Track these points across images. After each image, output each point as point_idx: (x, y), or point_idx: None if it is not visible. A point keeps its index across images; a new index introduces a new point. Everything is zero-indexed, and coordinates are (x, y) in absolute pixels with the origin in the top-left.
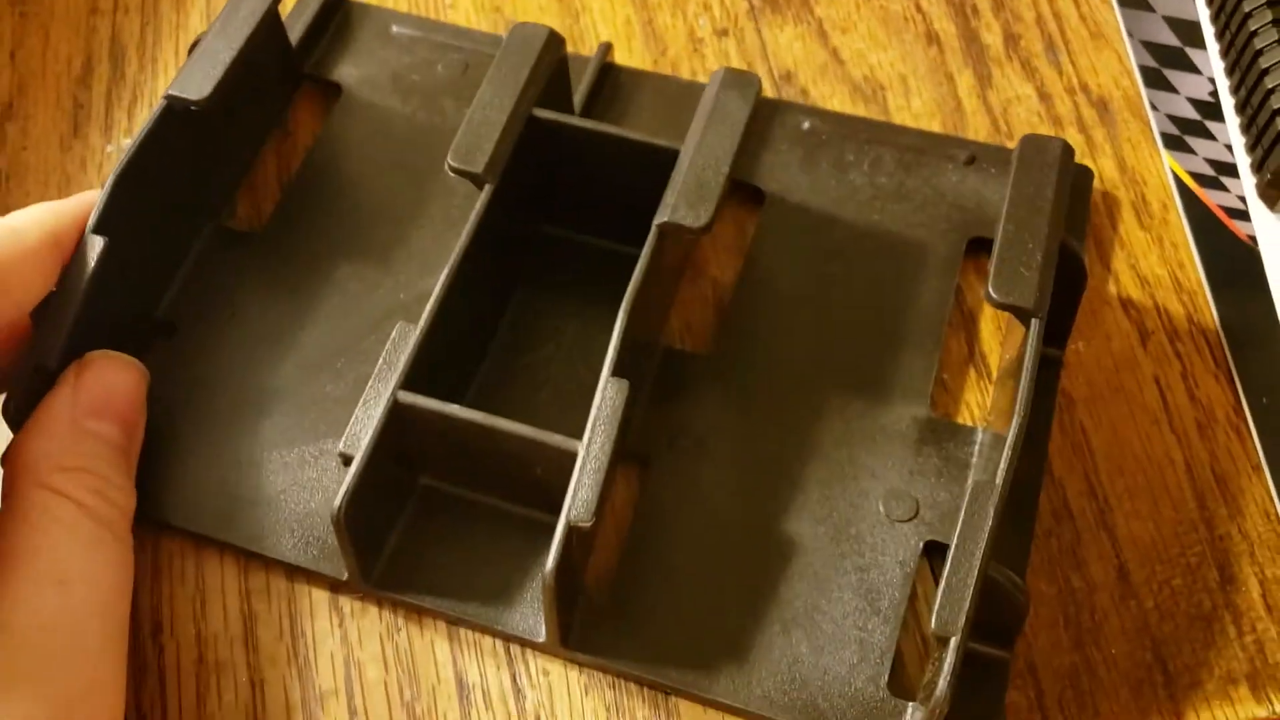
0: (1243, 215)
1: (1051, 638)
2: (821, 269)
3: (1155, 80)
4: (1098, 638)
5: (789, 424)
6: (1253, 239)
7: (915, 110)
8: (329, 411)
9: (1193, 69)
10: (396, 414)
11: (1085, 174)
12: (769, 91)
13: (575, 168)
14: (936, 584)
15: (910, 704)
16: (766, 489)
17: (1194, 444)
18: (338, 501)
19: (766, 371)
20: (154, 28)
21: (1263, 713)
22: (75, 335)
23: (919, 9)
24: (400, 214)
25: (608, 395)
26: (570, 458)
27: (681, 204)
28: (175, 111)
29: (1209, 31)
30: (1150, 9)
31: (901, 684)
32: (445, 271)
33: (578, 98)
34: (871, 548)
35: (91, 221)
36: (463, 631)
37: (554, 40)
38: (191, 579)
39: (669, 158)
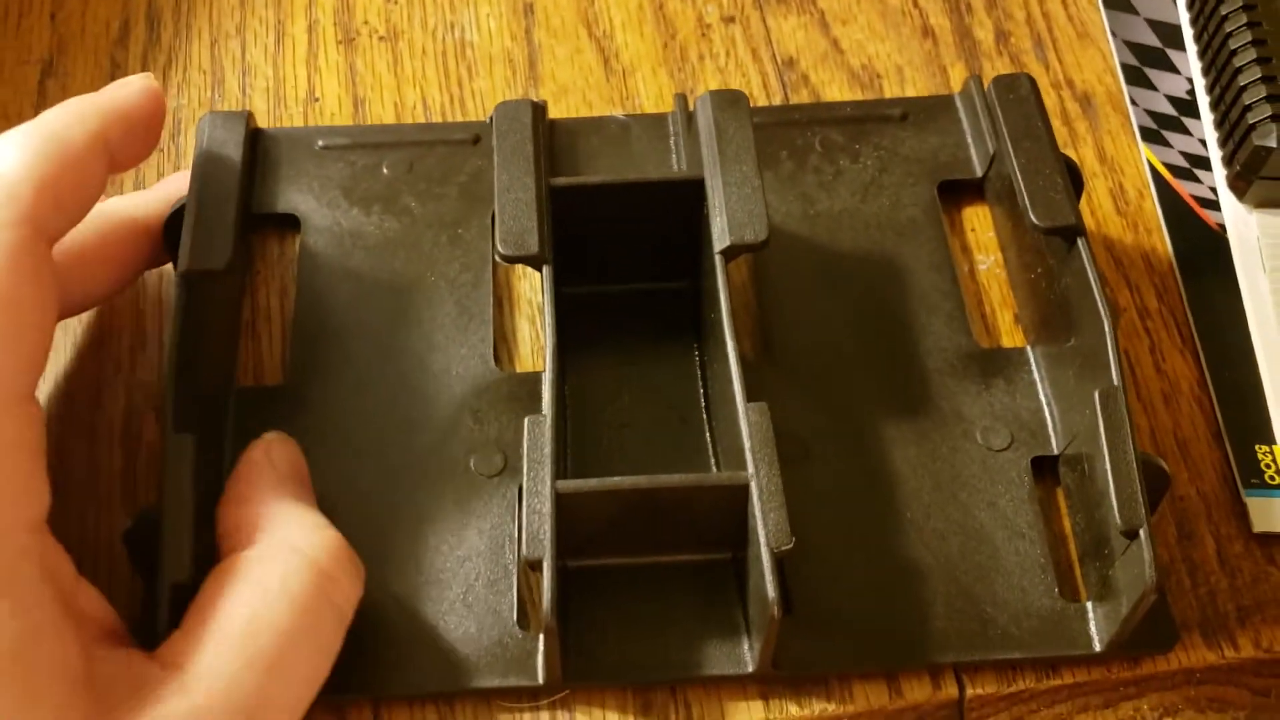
0: (1213, 205)
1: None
2: (821, 251)
3: (1136, 78)
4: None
5: (864, 400)
6: (1221, 227)
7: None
8: (446, 530)
9: (1172, 69)
10: (560, 505)
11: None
12: (772, 78)
13: (593, 224)
14: (1061, 490)
15: (1088, 603)
16: (877, 464)
17: (1159, 413)
18: (547, 604)
19: (820, 360)
20: None
21: (1214, 658)
22: (195, 542)
23: (916, 4)
24: (413, 319)
25: (753, 420)
26: (739, 491)
27: (737, 225)
28: (193, 286)
29: (1188, 34)
30: (1134, 11)
31: (1067, 589)
32: (548, 356)
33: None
34: (990, 482)
35: (170, 423)
36: (658, 695)
37: (539, 111)
38: None
39: (691, 188)
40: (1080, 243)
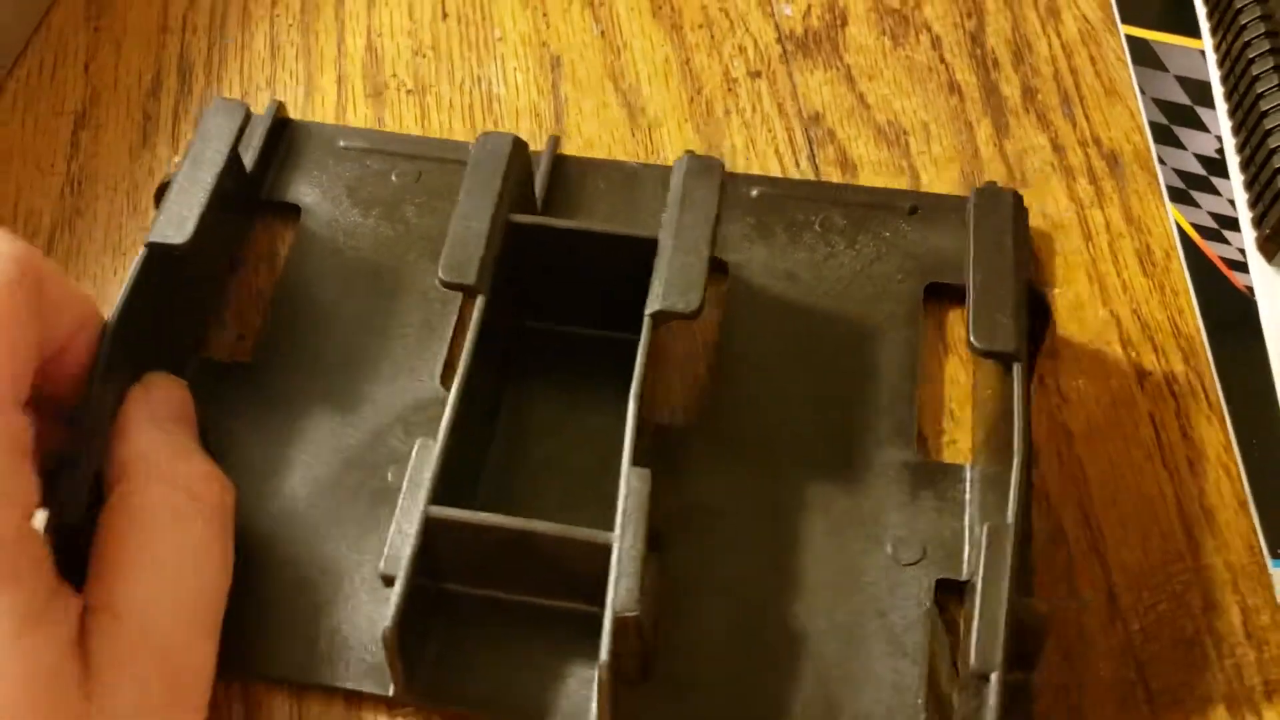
0: (1241, 267)
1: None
2: (793, 330)
3: (1164, 136)
4: (1086, 656)
5: (790, 485)
6: (1250, 289)
7: (935, 155)
8: (349, 531)
9: (1201, 127)
10: (430, 529)
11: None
12: (798, 133)
13: (554, 264)
14: (954, 618)
15: None
16: (781, 551)
17: (1184, 479)
18: (389, 622)
19: (759, 437)
20: (219, 48)
21: None
22: (94, 488)
23: (942, 60)
24: (380, 325)
25: (632, 485)
26: (605, 550)
27: (671, 292)
28: (157, 256)
29: (1218, 92)
30: (1163, 69)
31: (936, 718)
32: (455, 385)
33: (537, 191)
34: (888, 592)
35: (98, 375)
36: None
37: (519, 146)
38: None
39: (646, 246)
40: (1016, 369)
